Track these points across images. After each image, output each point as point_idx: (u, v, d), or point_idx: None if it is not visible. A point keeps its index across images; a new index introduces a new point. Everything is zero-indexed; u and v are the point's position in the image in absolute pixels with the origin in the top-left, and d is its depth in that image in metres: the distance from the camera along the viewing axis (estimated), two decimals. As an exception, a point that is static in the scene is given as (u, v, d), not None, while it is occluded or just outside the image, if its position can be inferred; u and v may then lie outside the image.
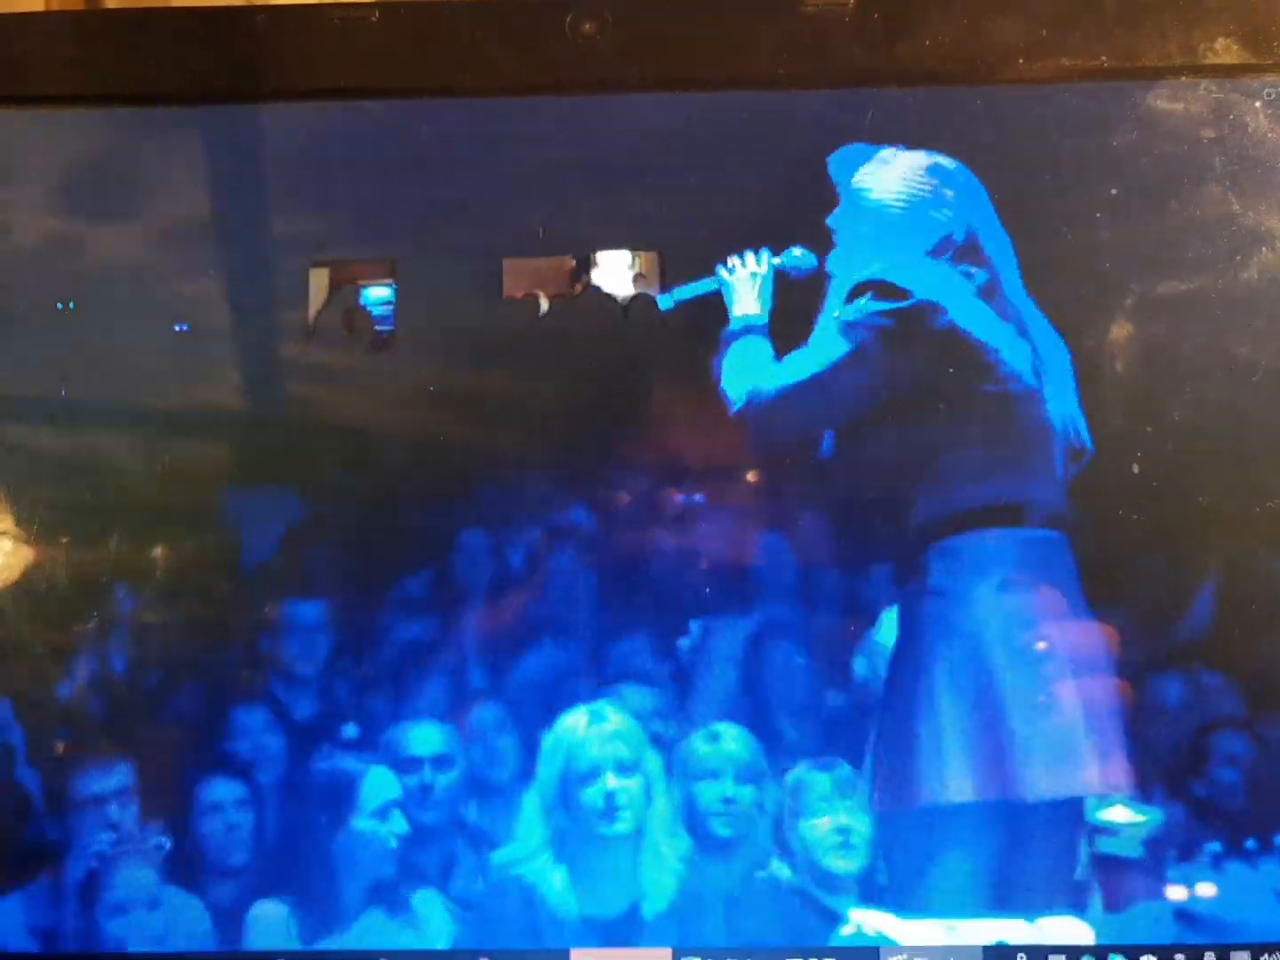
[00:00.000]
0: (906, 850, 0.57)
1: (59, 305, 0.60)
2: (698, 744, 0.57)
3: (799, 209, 0.60)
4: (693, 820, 0.57)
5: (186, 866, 0.57)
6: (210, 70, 0.60)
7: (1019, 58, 0.59)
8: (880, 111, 0.60)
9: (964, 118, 0.60)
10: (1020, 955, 0.55)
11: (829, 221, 0.59)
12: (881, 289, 0.59)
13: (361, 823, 0.57)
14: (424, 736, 0.58)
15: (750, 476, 0.59)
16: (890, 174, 0.60)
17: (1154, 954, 0.55)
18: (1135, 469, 0.57)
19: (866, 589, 0.58)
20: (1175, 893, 0.55)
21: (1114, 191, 0.59)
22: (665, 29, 0.60)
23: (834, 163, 0.59)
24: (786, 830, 0.57)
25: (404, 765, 0.58)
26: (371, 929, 0.57)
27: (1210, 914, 0.55)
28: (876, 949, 0.55)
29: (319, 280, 0.60)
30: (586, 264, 0.60)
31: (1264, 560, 0.57)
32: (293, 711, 0.58)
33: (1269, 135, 0.59)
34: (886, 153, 0.60)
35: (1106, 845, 0.56)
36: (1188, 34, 0.59)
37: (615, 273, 0.59)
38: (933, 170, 0.60)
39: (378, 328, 0.60)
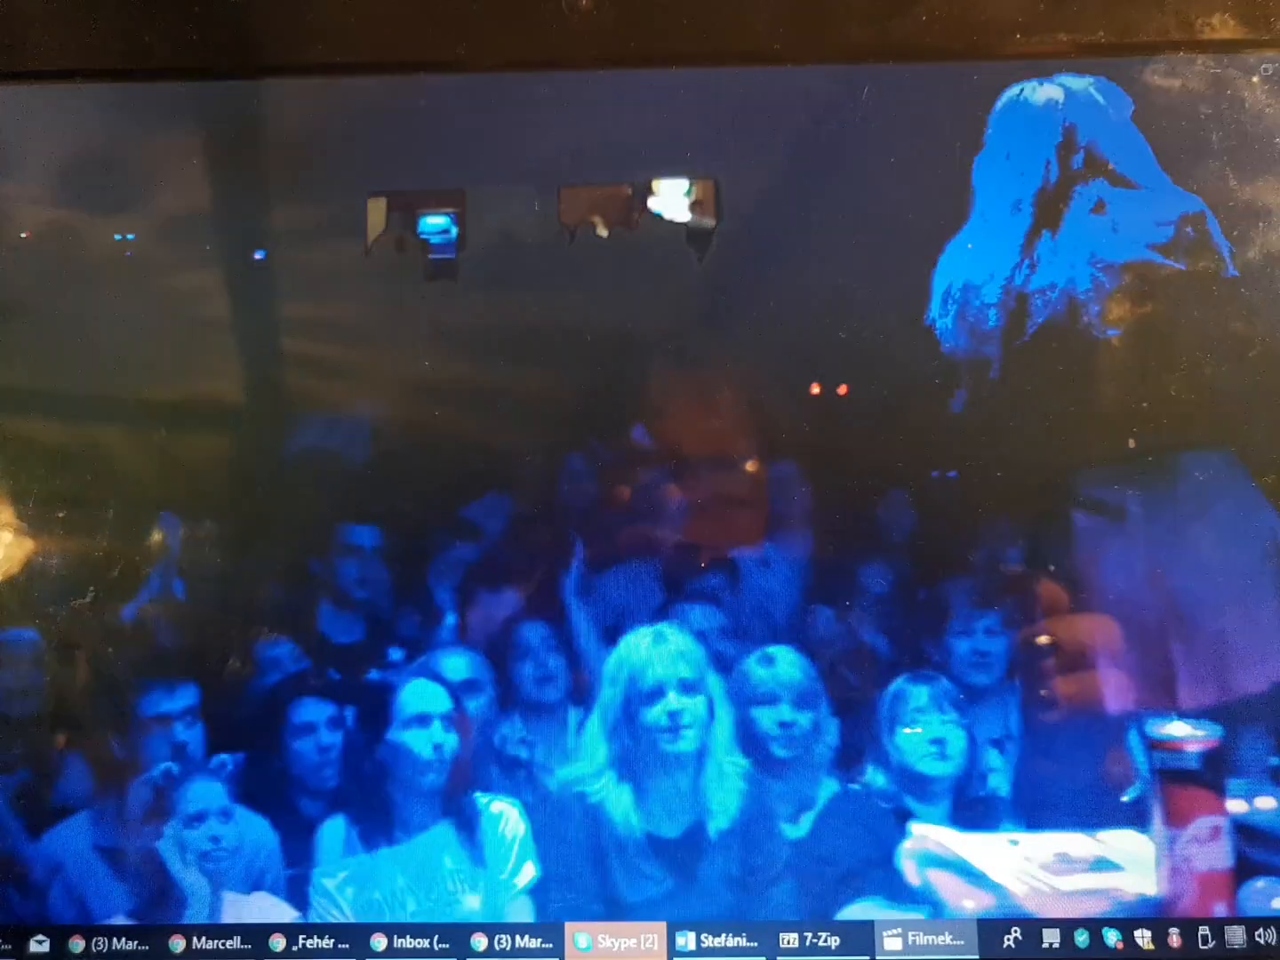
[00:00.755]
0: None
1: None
2: (755, 668, 0.58)
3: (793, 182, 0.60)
4: (751, 742, 0.58)
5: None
6: (203, 46, 0.60)
7: (1016, 33, 0.59)
8: (876, 87, 0.60)
9: (961, 93, 0.60)
10: (1013, 928, 0.55)
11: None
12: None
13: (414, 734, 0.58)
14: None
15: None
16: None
17: (1148, 928, 0.55)
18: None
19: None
20: (1235, 806, 0.55)
21: (1112, 165, 0.59)
22: (660, 4, 0.60)
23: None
24: (884, 738, 0.57)
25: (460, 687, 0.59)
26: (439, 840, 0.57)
27: (1271, 826, 0.55)
28: (871, 923, 0.55)
29: (377, 209, 0.60)
30: (644, 191, 0.60)
31: None
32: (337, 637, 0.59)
33: (1266, 110, 0.59)
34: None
35: (1167, 760, 0.56)
36: (1185, 9, 0.59)
37: (672, 200, 0.60)
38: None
39: (434, 255, 0.60)
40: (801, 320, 0.59)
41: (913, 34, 0.59)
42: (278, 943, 0.56)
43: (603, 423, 0.59)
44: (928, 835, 0.56)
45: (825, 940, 0.55)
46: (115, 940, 0.56)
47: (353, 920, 0.56)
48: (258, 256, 0.61)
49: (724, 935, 0.55)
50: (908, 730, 0.57)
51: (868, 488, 0.59)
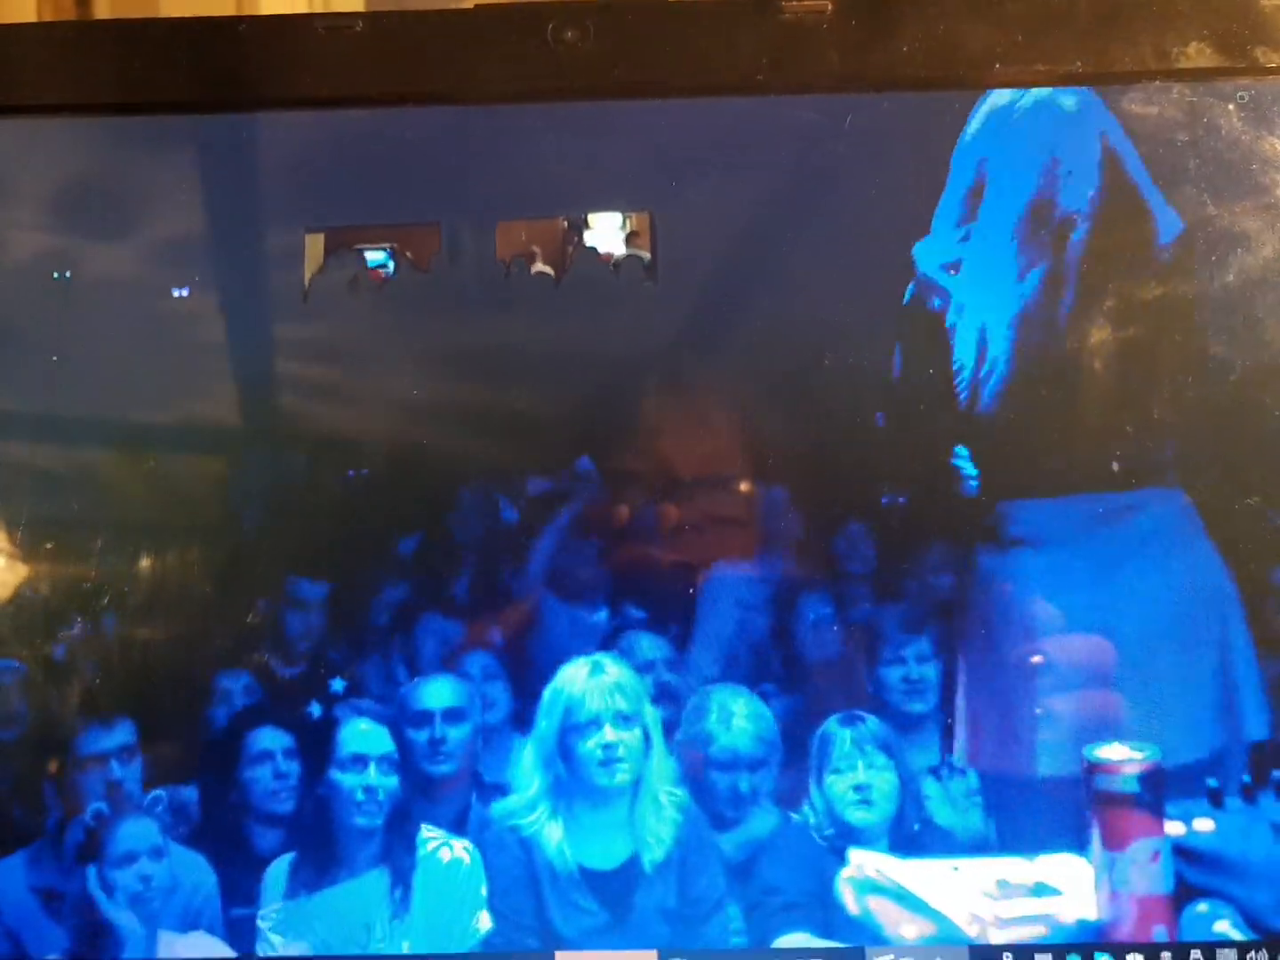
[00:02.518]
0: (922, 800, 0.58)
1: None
2: (711, 719, 0.58)
3: (781, 213, 0.61)
4: (689, 774, 0.58)
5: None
6: (192, 81, 0.61)
7: (995, 63, 0.60)
8: (858, 117, 0.60)
9: (942, 122, 0.60)
10: (1006, 955, 0.55)
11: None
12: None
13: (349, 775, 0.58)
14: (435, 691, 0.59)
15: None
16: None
17: (1140, 952, 0.55)
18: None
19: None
20: (1173, 829, 0.55)
21: (1090, 193, 0.60)
22: (646, 36, 0.61)
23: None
24: (811, 781, 0.57)
25: (413, 719, 0.58)
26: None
27: (1209, 849, 0.55)
28: (862, 949, 0.55)
29: (315, 245, 0.61)
30: (579, 225, 0.61)
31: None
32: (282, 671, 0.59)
33: (1242, 137, 0.59)
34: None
35: (1104, 782, 0.56)
36: (1161, 38, 0.60)
37: (607, 234, 0.61)
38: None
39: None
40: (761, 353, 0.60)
41: (893, 63, 0.60)
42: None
43: (546, 452, 0.60)
44: (866, 863, 0.56)
45: None
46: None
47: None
48: (178, 294, 0.61)
49: None
50: (832, 776, 0.57)
51: (820, 515, 0.59)
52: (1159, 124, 0.60)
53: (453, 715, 0.58)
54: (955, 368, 0.60)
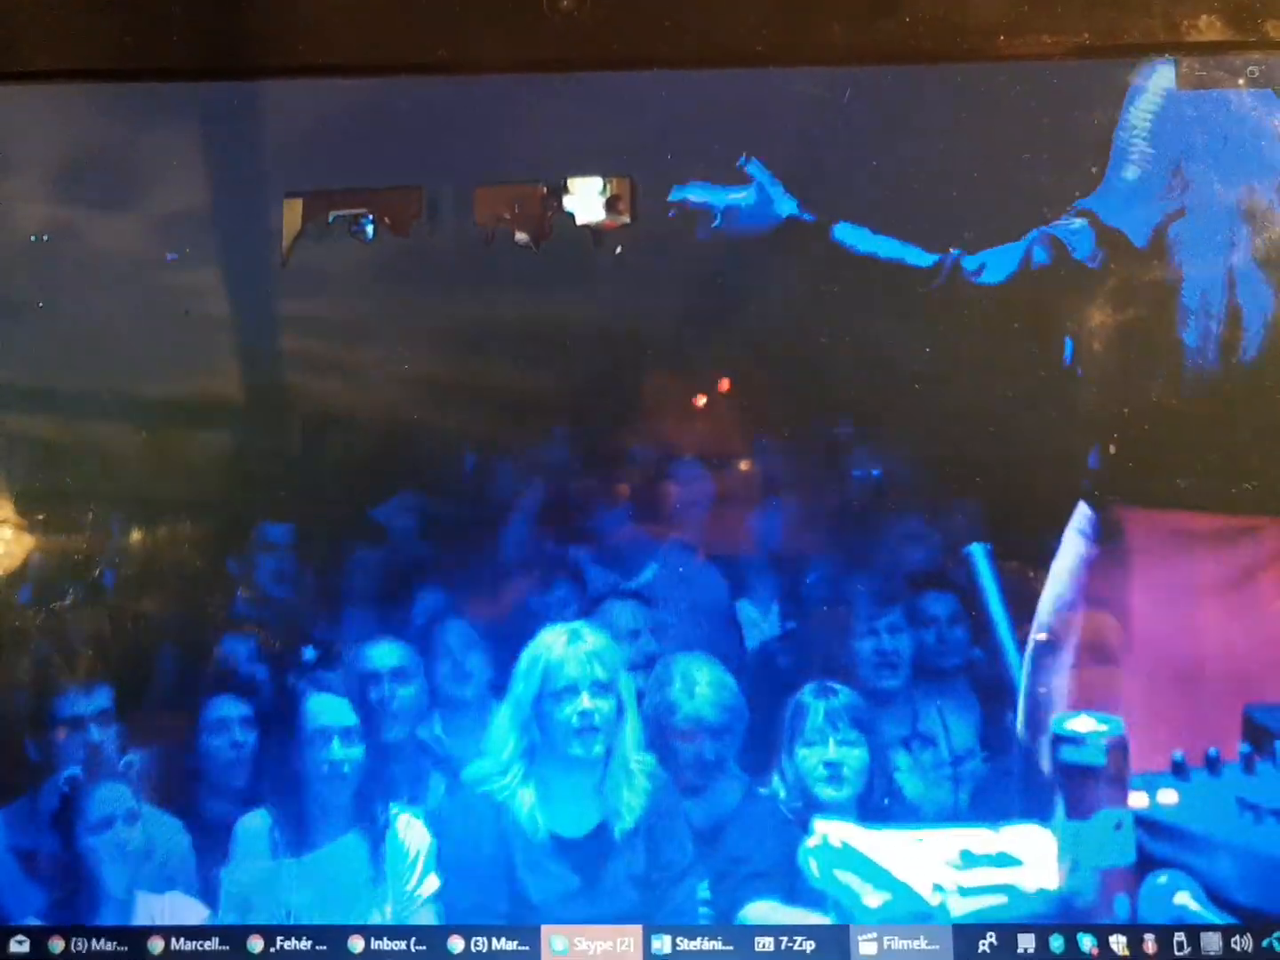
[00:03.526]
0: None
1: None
2: (675, 687, 0.59)
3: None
4: (659, 741, 0.58)
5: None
6: (189, 47, 0.60)
7: (1000, 34, 0.59)
8: (859, 88, 0.60)
9: (944, 96, 0.59)
10: (989, 933, 0.55)
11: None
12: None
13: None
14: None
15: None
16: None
17: (1123, 933, 0.55)
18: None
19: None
20: (1137, 800, 0.56)
21: (1094, 170, 0.59)
22: (643, 4, 0.60)
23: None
24: (784, 753, 0.58)
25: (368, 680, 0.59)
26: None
27: (1172, 821, 0.56)
28: (847, 927, 0.56)
29: (292, 210, 0.60)
30: (558, 190, 0.60)
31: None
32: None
33: (1252, 113, 0.58)
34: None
35: (1070, 754, 0.57)
36: (1171, 10, 0.58)
37: (587, 199, 0.60)
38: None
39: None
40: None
41: (897, 36, 0.59)
42: (255, 944, 0.56)
43: (525, 420, 0.60)
44: (831, 832, 0.57)
45: (800, 944, 0.55)
46: (95, 941, 0.56)
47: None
48: (169, 258, 0.61)
49: (699, 939, 0.56)
50: (804, 750, 0.58)
51: (799, 489, 0.60)
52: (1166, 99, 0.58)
53: (399, 675, 0.59)
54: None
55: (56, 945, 0.56)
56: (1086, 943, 0.55)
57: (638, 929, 0.56)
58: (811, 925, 0.56)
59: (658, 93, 0.60)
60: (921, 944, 0.55)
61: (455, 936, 0.56)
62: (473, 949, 0.56)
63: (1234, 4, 0.58)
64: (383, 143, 0.61)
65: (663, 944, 0.56)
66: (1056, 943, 0.55)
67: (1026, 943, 0.55)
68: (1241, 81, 0.59)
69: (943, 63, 0.59)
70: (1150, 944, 0.55)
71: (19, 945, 0.56)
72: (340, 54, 0.60)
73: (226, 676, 0.59)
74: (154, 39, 0.60)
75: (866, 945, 0.55)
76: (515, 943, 0.56)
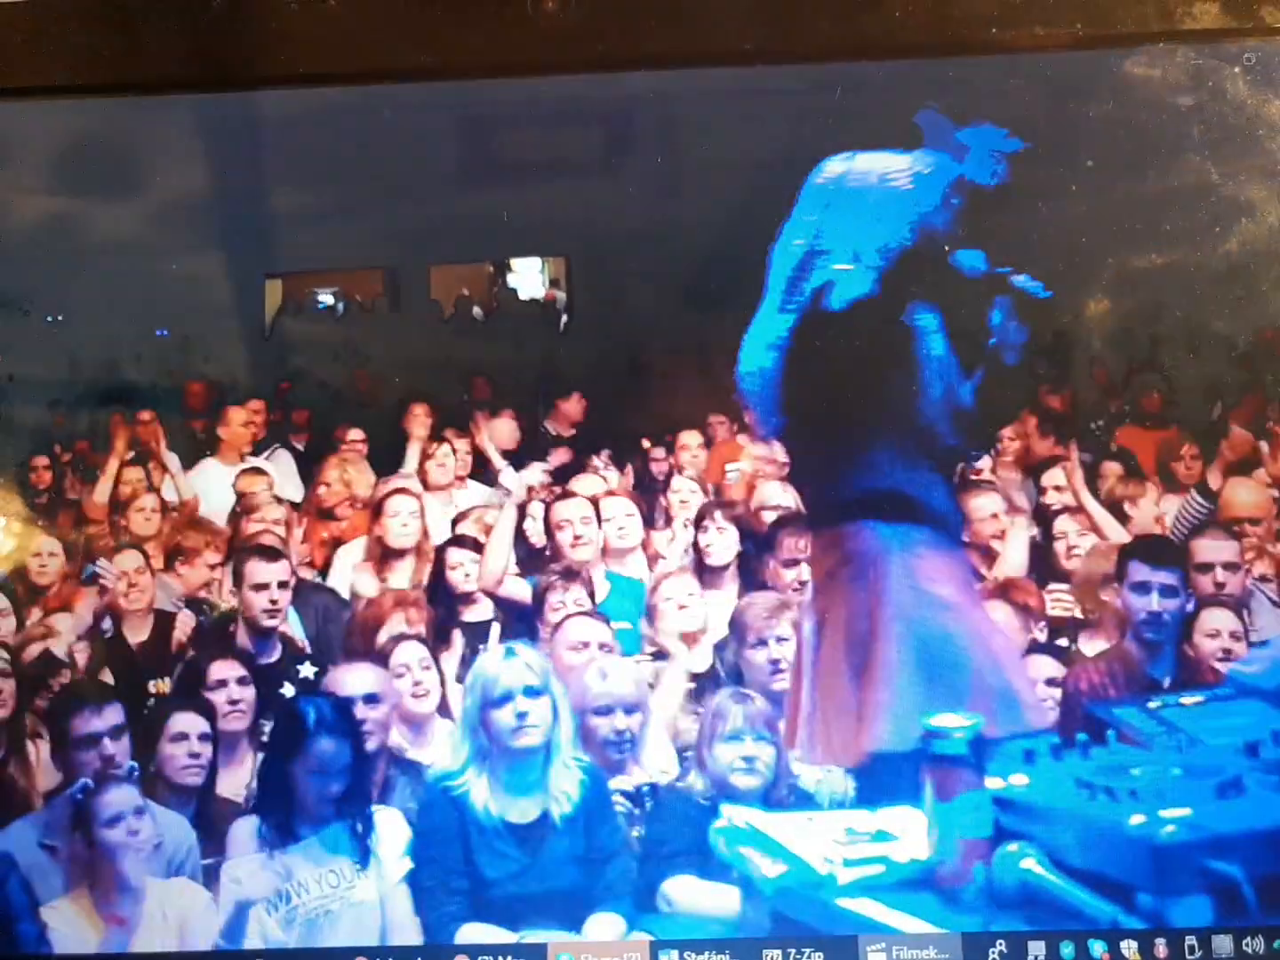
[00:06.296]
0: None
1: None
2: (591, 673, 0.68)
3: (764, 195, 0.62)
4: (589, 741, 0.67)
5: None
6: (165, 59, 0.61)
7: (991, 26, 0.58)
8: (849, 85, 0.60)
9: (934, 90, 0.59)
10: (999, 941, 0.57)
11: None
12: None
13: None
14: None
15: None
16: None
17: (1134, 938, 0.57)
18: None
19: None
20: (993, 783, 0.64)
21: (1090, 163, 0.59)
22: (628, 4, 0.59)
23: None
24: (704, 748, 0.66)
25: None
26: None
27: (1022, 799, 0.64)
28: (855, 937, 0.59)
29: (274, 290, 0.66)
30: (502, 269, 0.66)
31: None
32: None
33: (1248, 102, 0.58)
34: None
35: (938, 746, 0.64)
36: None
37: (528, 278, 0.66)
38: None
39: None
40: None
41: (885, 30, 0.58)
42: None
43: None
44: (735, 815, 0.66)
45: (809, 955, 0.58)
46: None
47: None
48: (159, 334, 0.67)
49: (707, 953, 0.58)
50: (721, 746, 0.66)
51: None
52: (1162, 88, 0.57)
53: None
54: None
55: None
56: (1098, 948, 0.57)
57: (644, 944, 0.59)
58: (820, 937, 0.58)
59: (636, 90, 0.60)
60: (931, 954, 0.57)
61: (461, 958, 0.60)
62: (480, 967, 0.59)
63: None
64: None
65: (670, 958, 0.59)
66: (1067, 949, 0.57)
67: (1037, 950, 0.57)
68: (1238, 69, 0.58)
69: (931, 56, 0.58)
70: (1161, 948, 0.57)
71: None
72: (325, 62, 0.60)
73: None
74: (125, 51, 0.60)
75: (875, 955, 0.58)
76: (523, 960, 0.58)
